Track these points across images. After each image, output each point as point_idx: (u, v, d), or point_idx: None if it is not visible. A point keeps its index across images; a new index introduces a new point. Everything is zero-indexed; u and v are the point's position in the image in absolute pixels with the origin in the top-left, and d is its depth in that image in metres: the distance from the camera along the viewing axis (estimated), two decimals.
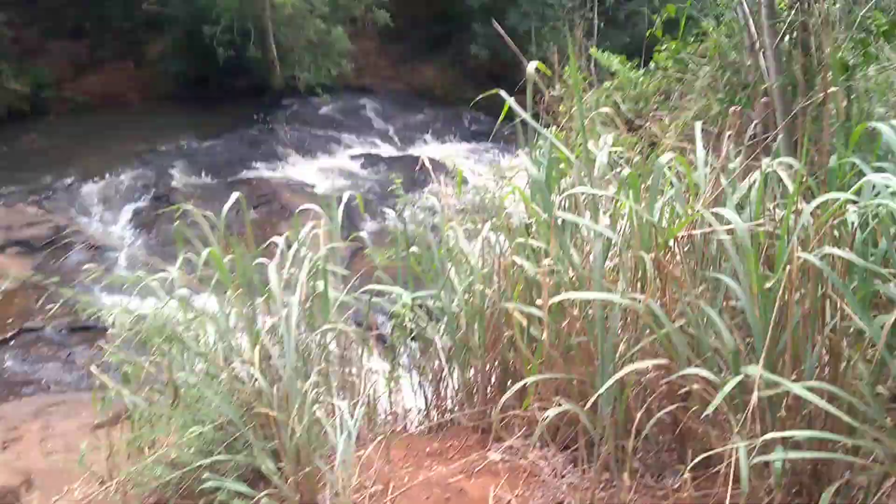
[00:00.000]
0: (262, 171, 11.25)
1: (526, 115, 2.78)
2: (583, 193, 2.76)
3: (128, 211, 9.59)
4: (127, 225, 9.33)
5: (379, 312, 4.00)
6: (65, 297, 3.50)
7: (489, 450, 3.21)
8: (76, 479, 3.39)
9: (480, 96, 3.09)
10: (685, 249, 2.56)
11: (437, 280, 3.53)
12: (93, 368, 3.43)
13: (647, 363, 2.35)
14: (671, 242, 2.54)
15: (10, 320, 7.00)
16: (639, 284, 2.59)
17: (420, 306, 3.62)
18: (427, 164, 4.45)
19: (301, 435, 2.85)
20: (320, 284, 3.53)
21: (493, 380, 3.42)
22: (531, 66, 2.91)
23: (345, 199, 3.76)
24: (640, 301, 2.40)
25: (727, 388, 2.16)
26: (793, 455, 2.20)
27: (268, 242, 3.53)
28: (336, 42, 13.47)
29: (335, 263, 3.65)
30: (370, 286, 3.58)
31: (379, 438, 3.02)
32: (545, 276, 2.50)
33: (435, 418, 3.59)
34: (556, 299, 2.44)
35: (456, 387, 3.59)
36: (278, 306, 3.10)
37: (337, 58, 13.73)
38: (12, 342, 6.78)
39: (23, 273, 7.98)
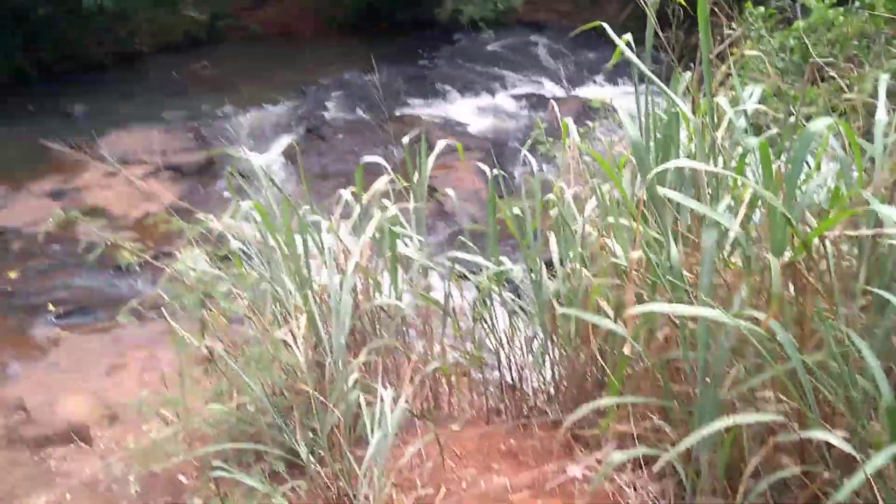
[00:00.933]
0: (417, 107, 10.87)
1: (632, 56, 2.10)
2: (705, 167, 2.06)
3: (279, 142, 9.55)
4: (276, 156, 9.29)
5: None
6: (203, 224, 3.28)
7: (571, 460, 2.64)
8: (155, 418, 3.22)
9: (579, 29, 2.45)
10: (840, 254, 1.82)
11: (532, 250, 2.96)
12: (164, 311, 3.17)
13: (757, 417, 1.67)
14: (817, 242, 1.80)
15: (151, 243, 7.07)
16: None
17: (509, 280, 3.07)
18: (556, 109, 3.84)
19: (338, 421, 2.44)
20: (402, 245, 3.06)
21: (587, 375, 2.81)
22: None
23: (438, 148, 3.20)
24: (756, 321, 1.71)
25: (867, 470, 1.46)
26: None
27: (337, 195, 3.08)
28: None
29: (419, 224, 3.14)
30: (453, 252, 3.05)
31: (426, 437, 2.52)
32: (632, 277, 1.86)
33: (524, 410, 3.04)
34: (639, 310, 1.79)
35: (545, 378, 3.02)
36: (329, 270, 2.66)
37: None
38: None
39: (171, 198, 8.14)
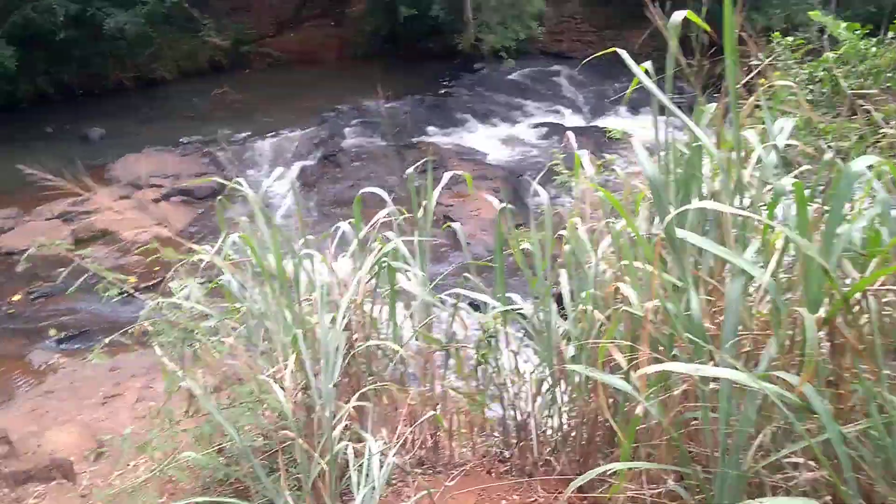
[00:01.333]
0: (436, 136, 10.76)
1: (650, 84, 1.91)
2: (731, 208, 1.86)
3: (295, 169, 9.45)
4: (292, 182, 9.18)
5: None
6: (190, 256, 3.09)
7: None
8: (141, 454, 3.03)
9: (593, 56, 2.29)
10: (882, 311, 1.60)
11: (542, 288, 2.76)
12: (156, 347, 2.99)
13: (788, 502, 1.45)
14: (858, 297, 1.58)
15: (158, 269, 6.94)
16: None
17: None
18: (572, 140, 3.65)
19: (324, 471, 2.24)
20: (403, 279, 2.87)
21: (598, 426, 2.58)
22: (676, 17, 2.04)
23: (443, 180, 3.02)
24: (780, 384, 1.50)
25: None
26: None
27: (333, 228, 2.90)
28: (527, 3, 12.56)
29: (422, 257, 2.95)
30: (455, 290, 2.85)
31: (418, 494, 2.30)
32: (646, 329, 1.65)
33: (529, 459, 2.81)
34: (653, 370, 1.59)
35: (553, 425, 2.80)
36: (321, 307, 2.47)
37: (528, 20, 12.85)
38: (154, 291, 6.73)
39: (181, 223, 8.03)
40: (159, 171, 8.89)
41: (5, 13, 10.29)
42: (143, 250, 3.32)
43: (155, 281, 6.78)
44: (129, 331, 2.85)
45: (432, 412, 2.51)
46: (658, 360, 1.84)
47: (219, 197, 2.92)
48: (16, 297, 6.56)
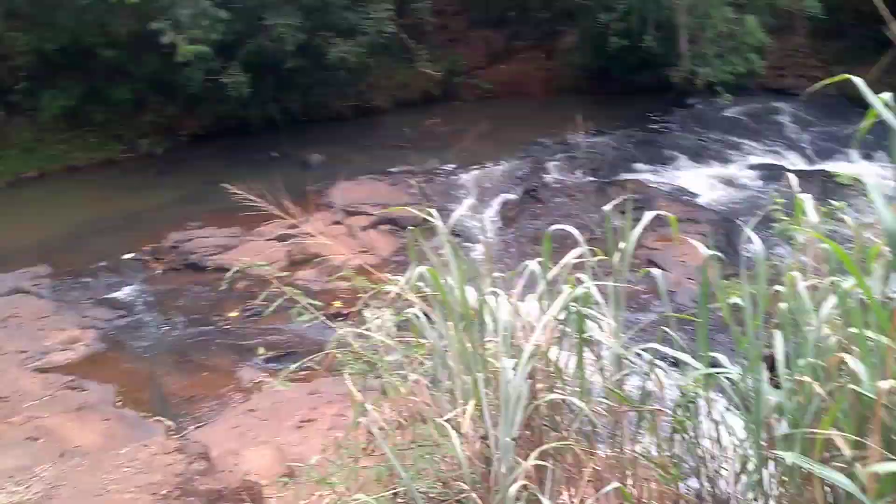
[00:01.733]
0: (643, 173, 10.40)
1: (891, 117, 1.64)
2: None
3: (497, 202, 9.50)
4: (493, 216, 9.23)
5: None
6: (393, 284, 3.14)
7: None
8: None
9: (821, 84, 2.03)
10: None
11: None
12: (346, 376, 3.03)
13: None
14: None
15: (361, 295, 7.17)
16: None
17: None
18: (793, 182, 3.31)
19: None
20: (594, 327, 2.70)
21: None
22: None
23: (644, 220, 2.80)
24: None
25: None
26: None
27: (522, 266, 2.78)
28: (747, 34, 11.80)
29: (617, 304, 2.75)
30: (652, 344, 2.62)
31: None
32: (878, 415, 1.38)
33: None
34: (885, 468, 1.31)
35: None
36: (504, 351, 2.36)
37: (748, 53, 12.10)
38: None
39: (386, 251, 8.29)
40: (370, 199, 9.27)
41: (242, 41, 11.23)
42: (343, 276, 3.41)
43: (356, 309, 6.99)
44: (318, 358, 2.90)
45: (617, 483, 2.29)
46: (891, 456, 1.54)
47: (408, 227, 2.92)
48: (232, 314, 7.03)
